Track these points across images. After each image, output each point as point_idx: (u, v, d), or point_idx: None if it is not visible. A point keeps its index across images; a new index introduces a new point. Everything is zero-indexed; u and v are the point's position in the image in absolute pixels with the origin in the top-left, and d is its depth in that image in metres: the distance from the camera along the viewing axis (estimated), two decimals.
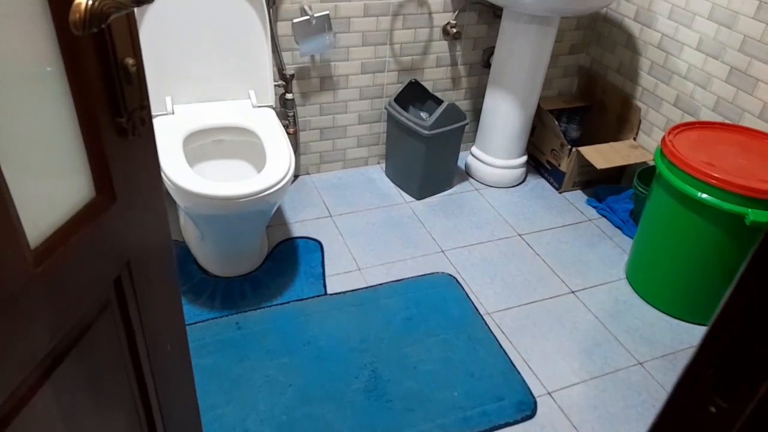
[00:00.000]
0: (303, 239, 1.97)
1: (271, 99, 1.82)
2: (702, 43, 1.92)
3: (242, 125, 1.72)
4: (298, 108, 2.12)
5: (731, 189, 1.51)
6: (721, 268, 1.64)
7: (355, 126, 2.25)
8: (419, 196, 2.21)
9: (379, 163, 2.39)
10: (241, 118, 1.73)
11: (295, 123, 2.10)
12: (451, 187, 2.28)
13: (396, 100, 2.15)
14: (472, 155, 2.33)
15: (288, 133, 2.10)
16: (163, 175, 1.50)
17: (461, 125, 2.11)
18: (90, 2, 0.53)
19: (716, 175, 1.53)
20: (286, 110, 2.06)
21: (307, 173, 2.30)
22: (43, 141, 0.62)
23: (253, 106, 1.78)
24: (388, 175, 2.32)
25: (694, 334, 1.72)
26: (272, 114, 1.78)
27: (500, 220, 2.13)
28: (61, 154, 0.65)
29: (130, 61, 0.67)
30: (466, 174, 2.36)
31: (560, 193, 2.29)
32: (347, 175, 2.33)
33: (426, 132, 2.02)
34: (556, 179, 2.30)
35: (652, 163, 2.15)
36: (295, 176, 2.27)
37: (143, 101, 0.71)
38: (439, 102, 2.15)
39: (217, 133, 1.73)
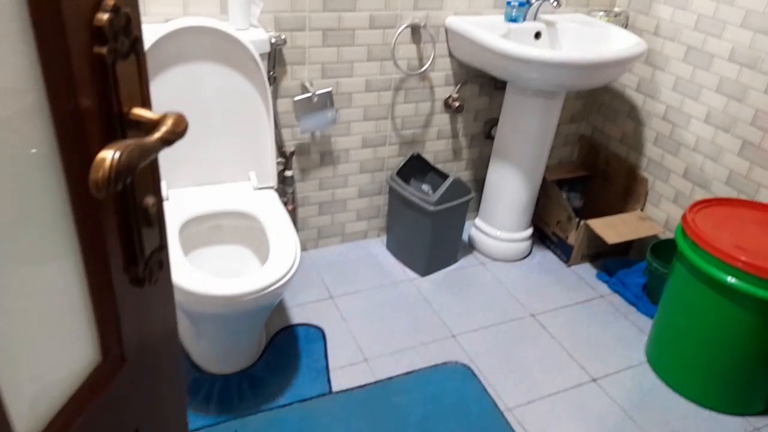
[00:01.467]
0: (303, 327, 1.83)
1: (273, 180, 1.72)
2: (711, 116, 1.89)
3: (242, 210, 1.61)
4: (297, 184, 2.02)
5: (762, 275, 1.44)
6: (758, 355, 1.55)
7: (355, 200, 2.16)
8: (424, 272, 2.11)
9: (379, 235, 2.30)
10: (241, 202, 1.63)
11: (294, 200, 2.01)
12: (455, 261, 2.19)
13: (398, 173, 2.07)
14: (476, 228, 2.24)
15: (287, 211, 2.00)
16: None
17: (466, 200, 2.03)
18: (116, 156, 0.43)
19: (745, 258, 1.46)
20: (284, 187, 1.97)
21: (305, 249, 2.19)
22: (41, 304, 0.50)
23: (254, 189, 1.68)
24: (389, 249, 2.22)
25: (732, 427, 1.61)
26: (274, 196, 1.68)
27: (510, 298, 2.03)
28: (62, 315, 0.53)
29: (150, 201, 0.56)
30: (470, 247, 2.27)
31: (569, 266, 2.21)
32: (347, 249, 2.22)
33: (431, 207, 1.94)
34: (564, 252, 2.22)
35: (663, 236, 2.09)
36: None
37: (162, 240, 0.60)
38: (441, 174, 2.08)
39: (216, 218, 1.62)
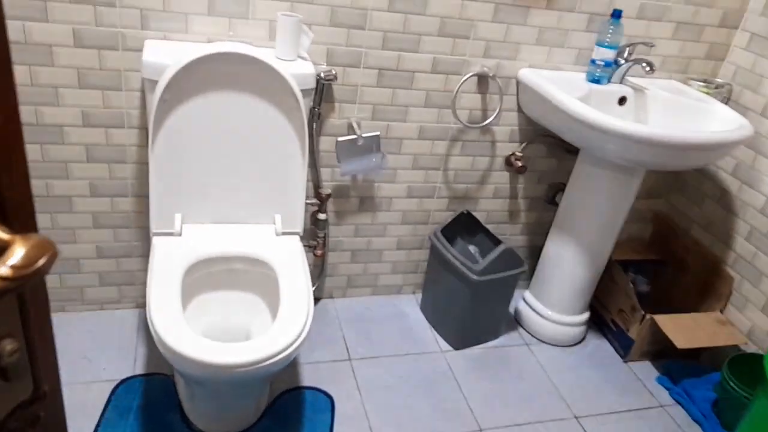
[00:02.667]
0: (312, 391, 1.64)
1: (299, 226, 1.54)
2: None
3: (259, 257, 1.44)
4: (330, 227, 1.84)
5: None
6: None
7: (392, 251, 1.96)
8: (458, 345, 1.87)
9: (414, 293, 2.08)
10: (260, 247, 1.46)
11: (324, 245, 1.82)
12: (496, 337, 1.94)
13: (443, 230, 1.86)
14: (525, 302, 1.99)
15: (315, 255, 1.82)
16: (147, 315, 1.22)
17: (517, 273, 1.80)
18: None
19: None
20: (316, 230, 1.79)
21: (331, 297, 2.00)
22: None
23: (277, 234, 1.51)
24: (423, 311, 2.00)
25: None
26: (298, 245, 1.50)
27: (553, 392, 1.76)
28: None
29: (9, 346, 0.38)
30: (516, 322, 2.02)
31: (626, 362, 1.92)
32: (376, 303, 2.01)
33: (475, 277, 1.71)
34: (622, 345, 1.93)
35: (745, 348, 1.78)
36: (317, 299, 1.97)
37: (37, 391, 0.41)
38: (492, 238, 1.85)
39: (230, 262, 1.45)
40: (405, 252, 1.98)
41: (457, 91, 1.65)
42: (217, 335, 1.49)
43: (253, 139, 1.42)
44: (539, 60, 1.72)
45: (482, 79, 1.71)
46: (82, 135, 1.50)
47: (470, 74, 1.65)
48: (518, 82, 1.73)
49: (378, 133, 1.67)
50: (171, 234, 1.44)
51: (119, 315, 1.78)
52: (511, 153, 1.86)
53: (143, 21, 1.40)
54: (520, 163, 1.84)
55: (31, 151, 1.48)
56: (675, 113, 1.71)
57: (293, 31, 1.42)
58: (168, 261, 1.37)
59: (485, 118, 1.77)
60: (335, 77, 1.56)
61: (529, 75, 1.70)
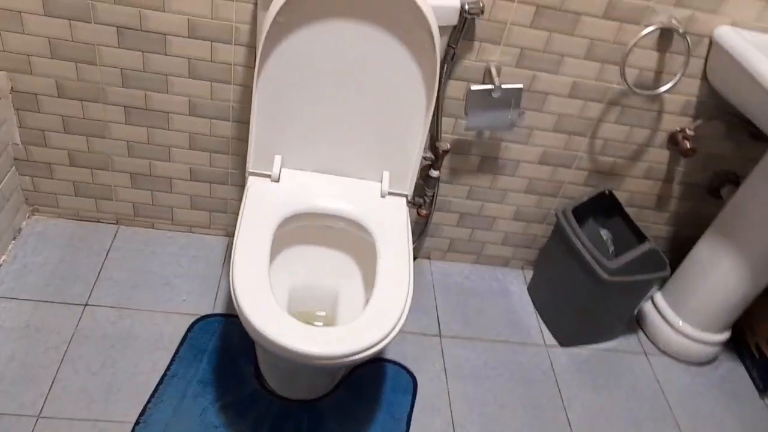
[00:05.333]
0: (395, 366, 1.48)
1: (409, 187, 1.32)
2: None
3: (361, 221, 1.24)
4: (440, 186, 1.61)
5: None
6: None
7: (507, 220, 1.71)
8: (565, 340, 1.64)
9: (523, 269, 1.84)
10: (361, 208, 1.26)
11: (431, 205, 1.60)
12: (612, 338, 1.68)
13: (575, 209, 1.57)
14: (654, 304, 1.70)
15: (419, 215, 1.61)
16: (231, 272, 1.07)
17: (657, 278, 1.50)
18: None
19: None
20: (425, 188, 1.56)
21: (429, 258, 1.80)
22: None
23: (382, 194, 1.30)
24: (530, 292, 1.76)
25: None
26: (404, 210, 1.29)
27: (668, 418, 1.51)
28: None
29: None
30: (637, 324, 1.74)
31: (762, 398, 1.61)
32: (479, 273, 1.80)
33: (605, 275, 1.44)
34: (762, 377, 1.61)
35: None
36: (413, 258, 1.78)
37: None
38: (630, 224, 1.55)
39: (327, 219, 1.27)
40: (522, 224, 1.72)
41: (632, 45, 1.30)
42: (303, 295, 1.35)
43: (372, 81, 1.18)
44: (748, 17, 1.32)
45: (666, 34, 1.35)
46: (185, 47, 1.32)
47: (654, 27, 1.29)
48: (712, 43, 1.35)
49: (521, 85, 1.37)
50: (268, 177, 1.27)
51: (207, 241, 1.69)
52: (679, 129, 1.51)
53: None
54: (688, 144, 1.48)
55: (131, 59, 1.33)
56: None
57: None
58: (261, 209, 1.20)
59: (658, 82, 1.42)
60: (482, 11, 1.27)
61: (729, 36, 1.31)
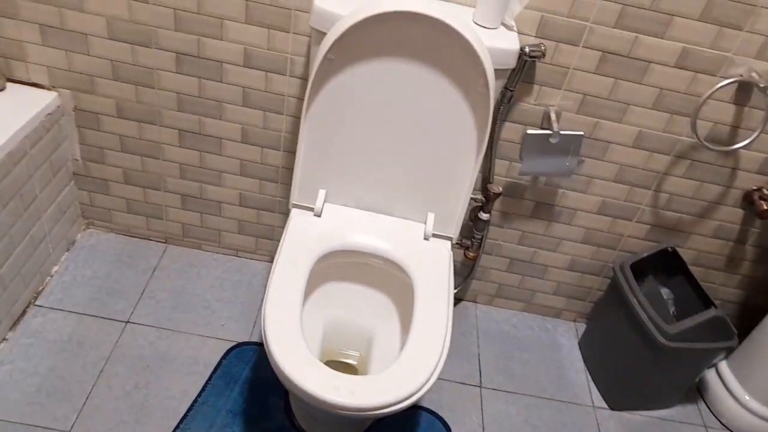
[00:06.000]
0: (429, 414, 1.41)
1: (454, 230, 1.27)
2: None
3: (401, 263, 1.20)
4: (490, 229, 1.54)
5: None
6: None
7: (561, 270, 1.62)
8: (616, 404, 1.52)
9: (575, 321, 1.74)
10: (403, 250, 1.22)
11: (479, 248, 1.54)
12: (668, 406, 1.55)
13: (633, 264, 1.47)
14: (718, 375, 1.56)
15: (465, 257, 1.54)
16: (263, 306, 1.05)
17: (722, 347, 1.37)
18: None
19: None
20: (474, 229, 1.50)
21: (474, 301, 1.73)
22: None
23: (426, 236, 1.25)
24: (581, 348, 1.66)
25: None
26: (447, 255, 1.24)
27: None
28: None
29: None
30: (698, 393, 1.60)
31: None
32: (525, 323, 1.71)
33: (664, 340, 1.33)
34: None
35: None
36: (457, 299, 1.72)
37: None
38: (694, 285, 1.44)
39: (367, 257, 1.23)
40: (577, 275, 1.62)
41: (706, 98, 1.21)
42: (338, 332, 1.31)
43: (422, 121, 1.14)
44: None
45: (744, 87, 1.25)
46: (240, 75, 1.33)
47: (732, 79, 1.20)
48: None
49: (582, 132, 1.30)
50: (311, 210, 1.25)
51: (252, 266, 1.68)
52: (756, 188, 1.39)
53: None
54: (765, 205, 1.36)
55: (188, 84, 1.35)
56: None
57: None
58: (301, 243, 1.18)
59: (734, 137, 1.31)
60: (543, 54, 1.21)
61: None
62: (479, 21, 1.13)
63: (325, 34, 1.08)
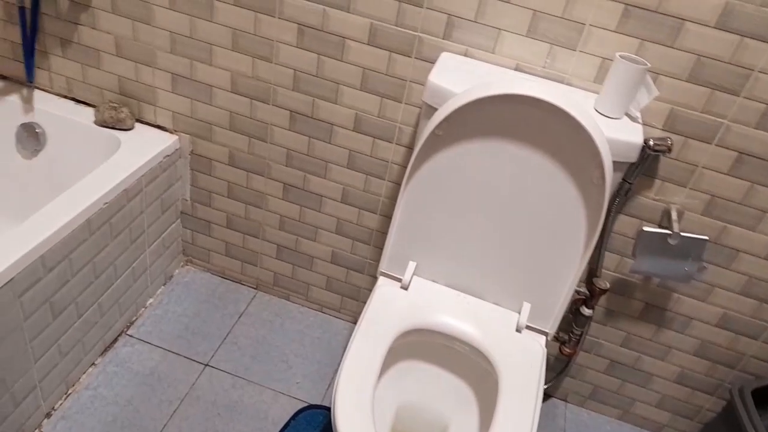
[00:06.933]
0: None
1: (550, 325, 1.17)
2: None
3: (487, 352, 1.12)
4: (591, 325, 1.42)
5: None
6: None
7: (668, 382, 1.45)
8: None
9: None
10: (491, 339, 1.13)
11: (577, 344, 1.41)
12: None
13: (756, 390, 1.28)
14: None
15: (561, 351, 1.42)
16: (335, 387, 1.01)
17: None
18: None
19: None
20: (573, 324, 1.38)
21: (565, 400, 1.58)
22: None
23: (518, 328, 1.16)
24: None
25: None
26: (540, 351, 1.14)
27: None
28: None
29: None
30: None
31: None
32: None
33: None
34: None
35: None
36: (547, 396, 1.58)
37: None
38: None
39: (452, 341, 1.16)
40: (686, 390, 1.44)
41: None
42: (411, 416, 1.24)
43: (527, 206, 1.08)
44: None
45: None
46: (349, 138, 1.34)
47: None
48: None
49: (706, 237, 1.17)
50: (399, 281, 1.21)
51: (334, 324, 1.66)
52: None
53: (447, 29, 1.15)
54: None
55: (298, 141, 1.38)
56: None
57: (631, 81, 1.02)
58: (385, 314, 1.13)
59: None
60: (669, 149, 1.11)
61: None
62: (601, 109, 1.06)
63: (435, 109, 1.06)
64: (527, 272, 1.15)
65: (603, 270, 1.33)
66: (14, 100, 1.48)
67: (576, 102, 0.96)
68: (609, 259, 1.32)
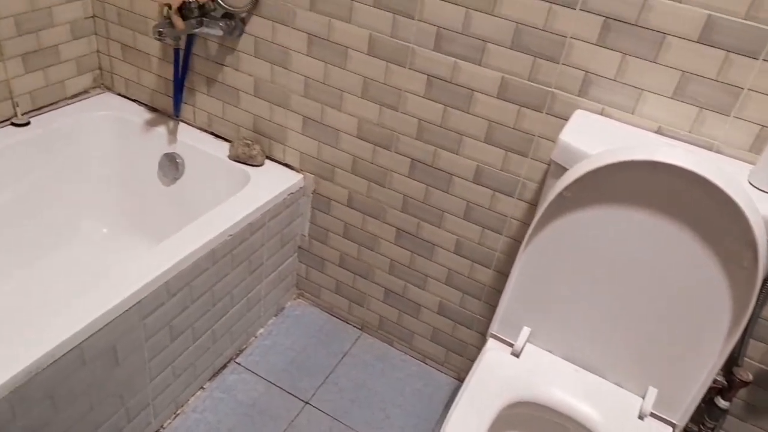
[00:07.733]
0: None
1: (680, 417, 1.04)
2: None
3: None
4: (729, 420, 1.25)
5: None
6: None
7: None
8: None
9: None
10: (609, 424, 1.03)
11: None
12: None
13: None
14: None
15: None
16: None
17: None
18: None
19: None
20: (705, 414, 1.23)
21: None
22: None
23: (641, 414, 1.04)
24: None
25: None
26: None
27: None
28: None
29: None
30: None
31: None
32: None
33: None
34: None
35: None
36: None
37: None
38: None
39: (561, 418, 1.07)
40: None
41: None
42: None
43: (661, 283, 0.98)
44: None
45: None
46: (467, 190, 1.31)
47: None
48: None
49: None
50: (510, 346, 1.14)
51: (436, 377, 1.60)
52: None
53: (583, 86, 1.09)
54: None
55: (416, 189, 1.37)
56: None
57: None
58: (492, 382, 1.07)
59: None
60: None
61: None
62: (757, 183, 0.94)
63: (565, 168, 1.00)
64: (657, 355, 1.03)
65: (745, 359, 1.17)
66: (161, 131, 1.61)
67: (725, 172, 0.86)
68: (753, 347, 1.16)
